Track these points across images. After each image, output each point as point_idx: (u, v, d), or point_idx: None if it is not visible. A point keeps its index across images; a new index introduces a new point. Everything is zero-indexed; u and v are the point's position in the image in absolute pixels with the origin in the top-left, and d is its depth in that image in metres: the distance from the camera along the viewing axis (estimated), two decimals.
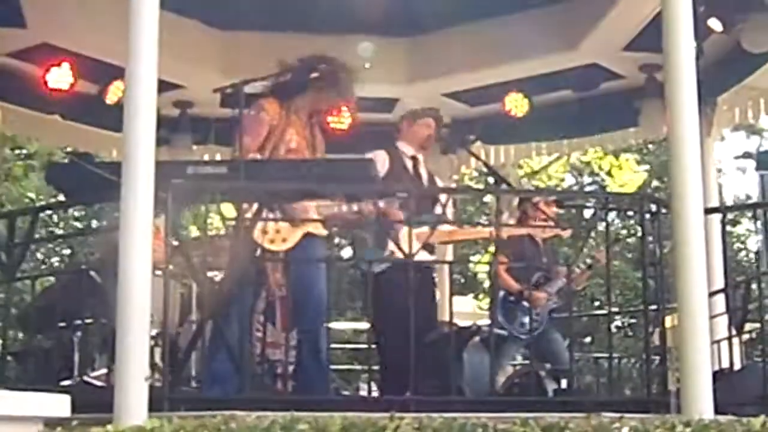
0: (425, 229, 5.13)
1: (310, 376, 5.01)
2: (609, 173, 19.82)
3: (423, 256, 5.04)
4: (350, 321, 14.79)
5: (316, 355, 4.99)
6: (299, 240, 5.01)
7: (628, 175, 19.79)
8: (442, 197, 5.74)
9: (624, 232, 18.69)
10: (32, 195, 13.90)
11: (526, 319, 6.46)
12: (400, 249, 4.70)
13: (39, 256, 17.17)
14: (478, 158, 7.23)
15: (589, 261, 6.68)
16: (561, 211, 6.88)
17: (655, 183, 19.98)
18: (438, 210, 5.63)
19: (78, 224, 17.59)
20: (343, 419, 2.88)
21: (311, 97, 5.22)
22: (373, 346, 5.51)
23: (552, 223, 6.44)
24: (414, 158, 6.19)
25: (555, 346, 6.68)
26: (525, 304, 6.51)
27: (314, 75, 5.13)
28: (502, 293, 6.64)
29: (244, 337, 4.61)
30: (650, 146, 19.16)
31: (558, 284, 6.81)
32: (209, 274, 5.09)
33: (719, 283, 5.96)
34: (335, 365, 10.38)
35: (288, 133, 5.10)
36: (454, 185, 9.33)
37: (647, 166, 20.39)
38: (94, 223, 17.03)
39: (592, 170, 20.24)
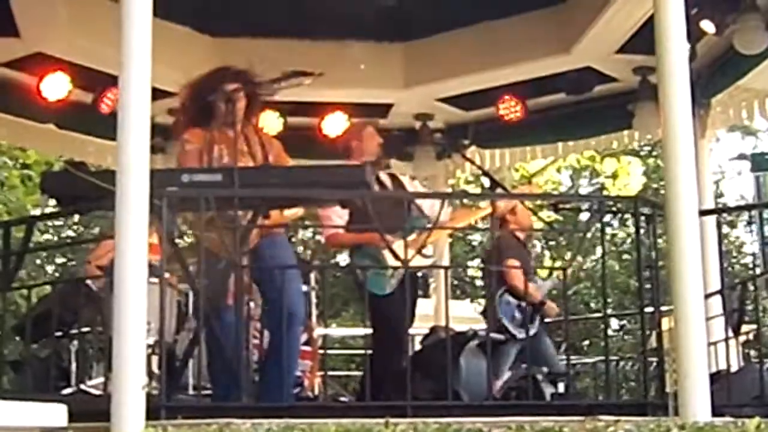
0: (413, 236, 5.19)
1: (270, 382, 4.97)
2: (591, 174, 19.74)
3: (418, 261, 5.10)
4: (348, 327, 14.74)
5: (278, 362, 4.94)
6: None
7: (628, 178, 19.68)
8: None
9: (622, 234, 18.68)
10: (27, 204, 13.84)
11: (524, 318, 6.47)
12: (396, 257, 4.76)
13: (35, 265, 17.12)
14: (473, 163, 7.23)
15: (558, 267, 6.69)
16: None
17: (654, 185, 19.94)
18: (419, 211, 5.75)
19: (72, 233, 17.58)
20: (337, 426, 2.88)
21: (227, 110, 5.14)
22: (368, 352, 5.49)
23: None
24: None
25: (546, 350, 6.70)
26: (523, 304, 6.49)
27: (222, 89, 5.15)
28: (501, 294, 6.60)
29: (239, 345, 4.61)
30: (648, 148, 19.13)
31: (548, 285, 6.85)
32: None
33: (715, 284, 5.95)
34: (332, 371, 10.36)
35: (215, 150, 5.08)
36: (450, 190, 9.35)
37: (644, 168, 20.33)
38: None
39: (592, 172, 20.14)
